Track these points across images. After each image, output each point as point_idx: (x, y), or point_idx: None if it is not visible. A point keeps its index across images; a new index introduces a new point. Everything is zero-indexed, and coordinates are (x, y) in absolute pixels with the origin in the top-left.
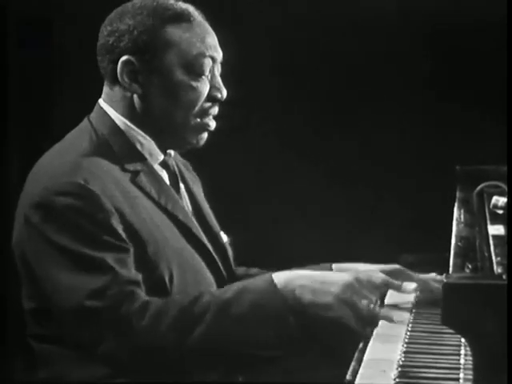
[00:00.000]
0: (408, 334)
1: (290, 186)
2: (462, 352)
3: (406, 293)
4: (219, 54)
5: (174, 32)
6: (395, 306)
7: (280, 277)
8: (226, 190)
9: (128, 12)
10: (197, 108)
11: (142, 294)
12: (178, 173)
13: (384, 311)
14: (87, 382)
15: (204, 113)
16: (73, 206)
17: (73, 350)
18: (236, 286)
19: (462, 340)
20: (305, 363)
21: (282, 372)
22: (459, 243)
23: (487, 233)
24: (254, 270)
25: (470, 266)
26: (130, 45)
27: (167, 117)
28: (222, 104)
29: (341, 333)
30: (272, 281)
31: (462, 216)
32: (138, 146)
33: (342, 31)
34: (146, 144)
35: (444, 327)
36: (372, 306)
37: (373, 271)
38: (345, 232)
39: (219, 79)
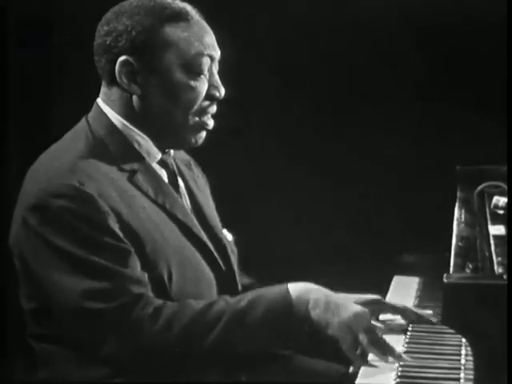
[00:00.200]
0: (408, 333)
1: (290, 186)
2: (463, 352)
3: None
4: (217, 53)
5: (172, 31)
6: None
7: (295, 288)
8: (225, 189)
9: (125, 11)
10: (195, 107)
11: (152, 296)
12: (176, 171)
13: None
14: (87, 381)
15: (202, 112)
16: (68, 209)
17: (73, 350)
18: (251, 295)
19: (463, 340)
20: (306, 363)
21: (283, 371)
22: (460, 243)
23: (488, 233)
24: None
25: (470, 266)
26: (127, 45)
27: (166, 116)
28: (222, 103)
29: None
30: (287, 291)
31: (463, 216)
32: (136, 146)
33: (341, 31)
34: (144, 143)
35: (444, 327)
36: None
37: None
38: (345, 232)
39: (217, 78)
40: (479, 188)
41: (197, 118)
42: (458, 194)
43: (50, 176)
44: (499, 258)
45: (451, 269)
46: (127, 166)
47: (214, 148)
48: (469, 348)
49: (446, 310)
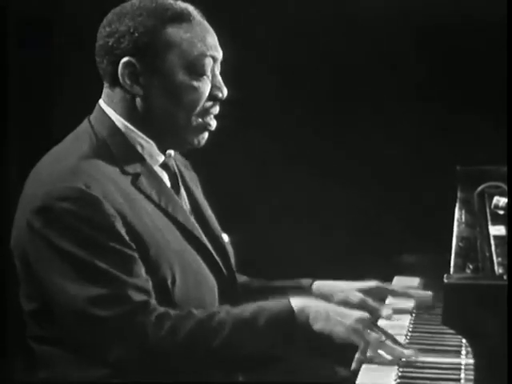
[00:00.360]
0: (409, 334)
1: (290, 186)
2: (463, 352)
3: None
4: (219, 53)
5: (175, 32)
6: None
7: (297, 302)
8: (225, 189)
9: (127, 13)
10: (198, 108)
11: (155, 304)
12: (178, 174)
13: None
14: (87, 382)
15: (205, 112)
16: (73, 212)
17: (73, 352)
18: (253, 307)
19: (463, 340)
20: (306, 363)
21: (282, 372)
22: (460, 243)
23: (488, 233)
24: (256, 283)
25: (470, 267)
26: (130, 46)
27: (169, 118)
28: (222, 104)
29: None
30: (289, 305)
31: (463, 216)
32: (138, 148)
33: (342, 31)
34: (147, 146)
35: (445, 327)
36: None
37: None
38: (345, 232)
39: (220, 78)
40: (479, 188)
41: (200, 119)
42: (459, 194)
43: (55, 179)
44: (499, 259)
45: (451, 269)
46: (130, 169)
47: (213, 148)
48: (469, 348)
49: (447, 310)
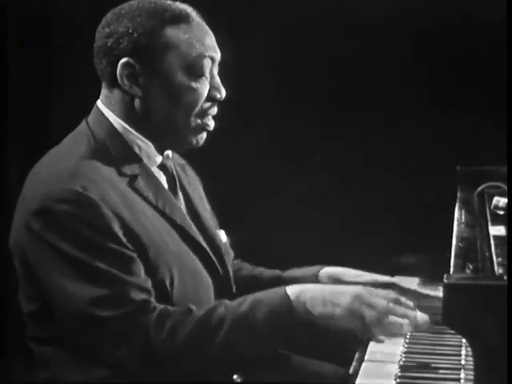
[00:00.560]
0: (409, 334)
1: (290, 187)
2: (463, 352)
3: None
4: (218, 54)
5: (174, 33)
6: None
7: (293, 290)
8: (225, 190)
9: (126, 13)
10: (197, 109)
11: (155, 302)
12: (175, 175)
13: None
14: (87, 382)
15: (204, 113)
16: (71, 214)
17: (72, 353)
18: (250, 299)
19: (463, 340)
20: (306, 363)
21: (283, 372)
22: (460, 244)
23: (488, 233)
24: (258, 270)
25: (470, 267)
26: (129, 47)
27: (168, 118)
28: (222, 104)
29: (346, 339)
30: (286, 294)
31: (463, 216)
32: (136, 149)
33: (342, 31)
34: (144, 147)
35: (445, 328)
36: (381, 315)
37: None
38: (345, 232)
39: (218, 79)
40: (479, 188)
41: (198, 120)
42: (458, 194)
43: (53, 180)
44: (499, 259)
45: (451, 269)
46: (128, 171)
47: (214, 148)
48: (469, 348)
49: (446, 310)
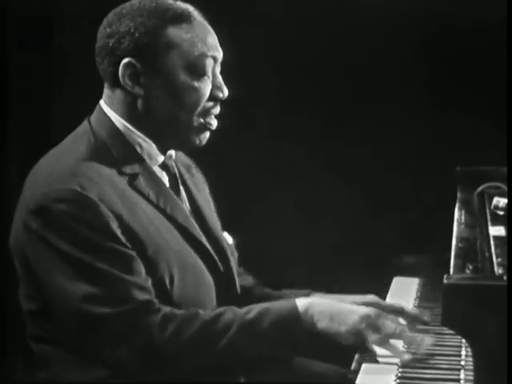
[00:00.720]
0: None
1: (290, 187)
2: (463, 353)
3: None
4: (220, 54)
5: (175, 33)
6: None
7: (302, 302)
8: (225, 190)
9: (127, 13)
10: (199, 108)
11: (158, 303)
12: (178, 174)
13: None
14: (87, 382)
15: (206, 113)
16: (69, 213)
17: (72, 353)
18: (258, 308)
19: (463, 341)
20: (306, 363)
21: (283, 372)
22: (460, 244)
23: (488, 234)
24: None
25: (470, 267)
26: (131, 47)
27: (171, 118)
28: (222, 104)
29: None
30: (295, 305)
31: (463, 217)
32: (138, 149)
33: (342, 31)
34: (146, 146)
35: (444, 328)
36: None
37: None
38: (345, 233)
39: (220, 78)
40: (479, 189)
41: (201, 119)
42: (458, 194)
43: (52, 180)
44: (499, 259)
45: (451, 270)
46: (129, 170)
47: (214, 148)
48: (469, 349)
49: (446, 310)
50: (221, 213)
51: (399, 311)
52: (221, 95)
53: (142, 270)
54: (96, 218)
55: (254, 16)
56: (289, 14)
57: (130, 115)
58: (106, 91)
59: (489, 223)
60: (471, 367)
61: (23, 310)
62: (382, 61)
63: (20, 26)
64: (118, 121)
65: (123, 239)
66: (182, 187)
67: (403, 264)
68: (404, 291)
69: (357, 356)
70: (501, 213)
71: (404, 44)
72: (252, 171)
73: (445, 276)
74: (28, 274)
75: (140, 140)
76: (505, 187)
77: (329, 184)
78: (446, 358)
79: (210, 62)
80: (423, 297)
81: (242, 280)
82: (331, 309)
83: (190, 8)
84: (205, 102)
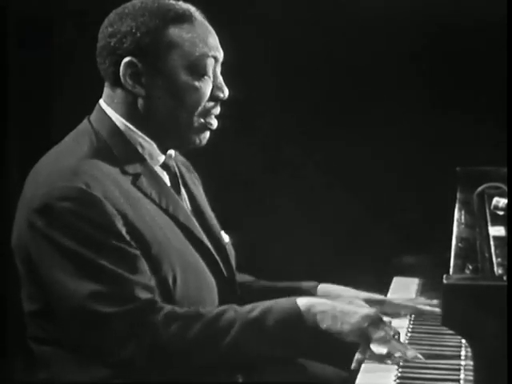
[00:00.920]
0: (408, 335)
1: (290, 187)
2: (463, 353)
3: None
4: (221, 54)
5: (177, 33)
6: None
7: (303, 302)
8: (225, 190)
9: (129, 13)
10: (200, 108)
11: (161, 302)
12: (178, 174)
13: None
14: (87, 382)
15: (207, 113)
16: (74, 211)
17: (73, 352)
18: (261, 306)
19: (463, 341)
20: (306, 364)
21: (283, 372)
22: (460, 244)
23: (488, 234)
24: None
25: (470, 267)
26: (132, 46)
27: (171, 118)
28: (222, 104)
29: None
30: (296, 305)
31: (463, 217)
32: (139, 148)
33: (342, 31)
34: (147, 146)
35: (444, 328)
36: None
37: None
38: (345, 233)
39: (221, 79)
40: (479, 189)
41: (201, 119)
42: (458, 195)
43: (54, 178)
44: (499, 259)
45: (451, 270)
46: (131, 169)
47: (214, 148)
48: (468, 349)
49: (446, 311)
50: (220, 212)
51: (411, 310)
52: (221, 95)
53: (146, 268)
54: (101, 216)
55: (254, 16)
56: (289, 14)
57: (131, 115)
58: (107, 91)
59: (489, 223)
60: (471, 367)
61: (24, 310)
62: (382, 61)
63: (20, 25)
64: (119, 120)
65: (128, 238)
66: (182, 187)
67: (403, 264)
68: (404, 291)
69: (357, 356)
70: (501, 213)
71: (404, 44)
72: (252, 171)
73: (444, 276)
74: (31, 273)
75: (141, 140)
76: (505, 187)
77: (329, 184)
78: (446, 358)
79: (210, 62)
80: (423, 297)
81: (239, 277)
82: (333, 309)
83: (192, 8)
84: (205, 102)
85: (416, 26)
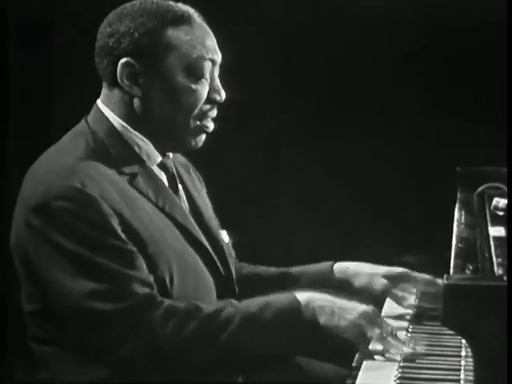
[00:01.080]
0: (408, 335)
1: (290, 187)
2: (463, 353)
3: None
4: (219, 57)
5: (175, 34)
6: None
7: (303, 297)
8: (225, 190)
9: (128, 14)
10: (196, 110)
11: (159, 297)
12: (176, 174)
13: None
14: (87, 382)
15: (203, 115)
16: (70, 210)
17: (73, 352)
18: (260, 301)
19: (463, 341)
20: (307, 363)
21: (282, 372)
22: (460, 244)
23: (488, 234)
24: (259, 269)
25: (470, 267)
26: (130, 47)
27: (167, 119)
28: (222, 104)
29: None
30: (296, 299)
31: (463, 217)
32: (136, 149)
33: (342, 31)
34: (144, 146)
35: (444, 328)
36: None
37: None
38: (345, 233)
39: (218, 82)
40: (479, 189)
41: (198, 122)
42: (458, 195)
43: (51, 177)
44: (499, 260)
45: (451, 270)
46: (128, 169)
47: (213, 148)
48: (469, 349)
49: (446, 311)
50: (220, 212)
51: (430, 281)
52: (218, 98)
53: (144, 265)
54: (97, 215)
55: (254, 16)
56: (289, 14)
57: (128, 115)
58: (105, 91)
59: (489, 224)
60: (471, 367)
61: (24, 310)
62: (382, 61)
63: (20, 25)
64: (116, 120)
65: (124, 236)
66: (180, 187)
67: (403, 264)
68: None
69: (357, 356)
70: (501, 213)
71: (404, 44)
72: (252, 171)
73: (445, 276)
74: (29, 273)
75: (138, 140)
76: (505, 188)
77: (329, 184)
78: (446, 358)
79: (208, 65)
80: (423, 297)
81: (244, 269)
82: (332, 304)
83: (191, 10)
84: (202, 105)
85: (416, 26)
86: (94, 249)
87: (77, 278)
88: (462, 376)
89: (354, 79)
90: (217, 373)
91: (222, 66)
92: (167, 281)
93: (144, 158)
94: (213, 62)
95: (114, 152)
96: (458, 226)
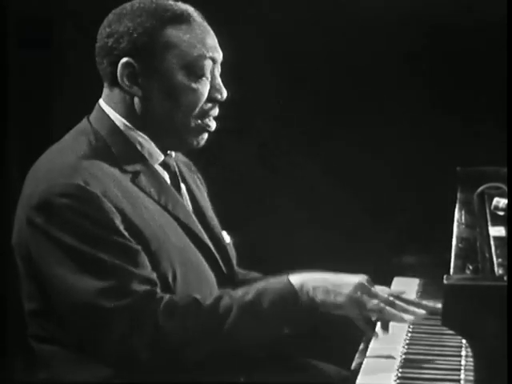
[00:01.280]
0: (409, 335)
1: (289, 187)
2: (463, 353)
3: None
4: (219, 55)
5: (174, 34)
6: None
7: (296, 279)
8: (225, 190)
9: (127, 13)
10: (197, 109)
11: (161, 293)
12: (178, 173)
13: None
14: (87, 382)
15: (204, 114)
16: (73, 208)
17: (73, 352)
18: (255, 288)
19: (463, 341)
20: (307, 363)
21: (283, 372)
22: (460, 244)
23: (488, 234)
24: (253, 274)
25: (470, 268)
26: (129, 47)
27: (168, 119)
28: (222, 104)
29: (347, 331)
30: (290, 283)
31: (463, 217)
32: (138, 147)
33: (342, 31)
34: (146, 145)
35: (444, 328)
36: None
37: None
38: (345, 233)
39: (219, 80)
40: (479, 189)
41: (199, 121)
42: (459, 195)
43: (53, 175)
44: (499, 260)
45: (451, 270)
46: (130, 168)
47: (213, 148)
48: (469, 349)
49: (446, 311)
50: (220, 212)
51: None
52: (219, 97)
53: (146, 262)
54: (99, 213)
55: (254, 16)
56: (289, 13)
57: (129, 114)
58: (106, 90)
59: (489, 224)
60: (471, 367)
61: (25, 309)
62: (382, 61)
63: (20, 25)
64: (118, 119)
65: (126, 234)
66: (183, 185)
67: (403, 264)
68: None
69: (357, 356)
70: (501, 213)
71: (404, 44)
72: (252, 171)
73: (445, 276)
74: (31, 271)
75: (140, 139)
76: (505, 188)
77: (329, 184)
78: (446, 358)
79: (208, 64)
80: (423, 297)
81: (244, 275)
82: (325, 282)
83: (190, 9)
84: (203, 104)
85: (416, 26)
86: (96, 246)
87: (79, 275)
88: (462, 376)
89: (354, 79)
90: (219, 375)
91: (222, 66)
92: (170, 278)
93: (146, 156)
94: (213, 60)
95: (116, 150)
96: (458, 226)
